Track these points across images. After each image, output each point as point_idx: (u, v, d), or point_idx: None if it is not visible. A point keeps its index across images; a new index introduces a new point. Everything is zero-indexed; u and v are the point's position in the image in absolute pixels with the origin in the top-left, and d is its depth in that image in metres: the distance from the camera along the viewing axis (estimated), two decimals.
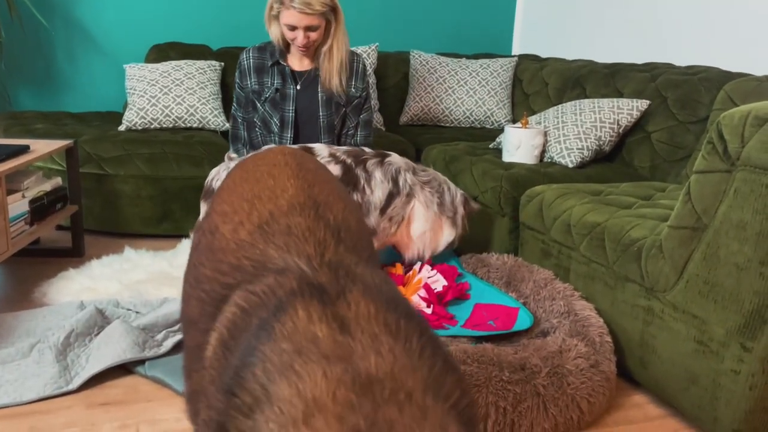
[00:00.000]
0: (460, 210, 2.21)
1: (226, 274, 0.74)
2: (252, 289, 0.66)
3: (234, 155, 2.13)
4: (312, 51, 2.29)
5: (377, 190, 2.10)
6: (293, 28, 2.19)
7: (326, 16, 2.20)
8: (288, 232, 0.74)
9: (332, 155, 2.11)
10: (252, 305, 0.64)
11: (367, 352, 0.52)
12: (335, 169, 2.08)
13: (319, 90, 2.32)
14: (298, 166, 0.94)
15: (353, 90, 2.37)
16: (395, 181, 2.14)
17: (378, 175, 2.12)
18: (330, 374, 0.50)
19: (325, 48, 2.27)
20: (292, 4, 2.13)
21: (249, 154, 1.10)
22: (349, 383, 0.49)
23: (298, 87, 2.32)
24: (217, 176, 2.09)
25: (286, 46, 2.32)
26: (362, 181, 2.09)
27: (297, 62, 2.35)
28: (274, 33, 2.29)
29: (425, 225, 2.17)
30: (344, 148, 2.17)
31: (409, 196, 2.15)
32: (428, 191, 2.17)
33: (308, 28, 2.18)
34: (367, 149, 2.20)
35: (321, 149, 2.12)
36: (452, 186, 2.23)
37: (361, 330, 0.55)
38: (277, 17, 2.23)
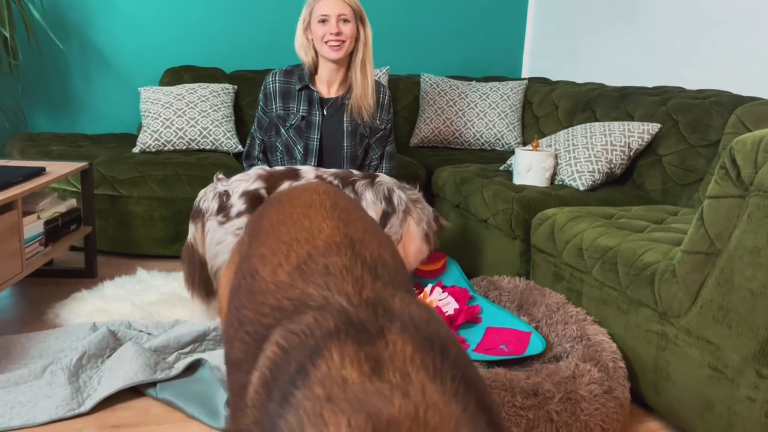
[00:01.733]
0: (433, 226, 2.22)
1: (267, 315, 0.76)
2: (292, 328, 0.67)
3: (222, 176, 2.14)
4: (344, 52, 2.26)
5: (370, 211, 2.10)
6: (325, 21, 2.21)
7: (356, 20, 2.24)
8: (326, 271, 0.76)
9: (318, 177, 2.12)
10: (292, 345, 0.65)
11: (393, 393, 0.53)
12: None
13: (345, 120, 2.33)
14: (332, 205, 0.96)
15: (378, 122, 2.38)
16: (389, 199, 2.14)
17: (369, 195, 2.12)
18: (354, 423, 0.50)
19: (358, 59, 2.29)
20: None
21: (284, 192, 1.11)
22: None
23: (325, 113, 2.33)
24: (204, 197, 2.09)
25: (315, 68, 2.34)
26: None
27: (325, 88, 2.35)
28: (305, 56, 2.31)
29: (418, 242, 2.18)
30: (332, 170, 2.17)
31: (405, 213, 2.16)
32: (419, 208, 2.19)
33: (341, 17, 2.20)
34: (355, 171, 2.21)
35: (308, 171, 2.13)
36: (425, 202, 2.26)
37: (394, 370, 0.56)
38: (308, 27, 2.26)
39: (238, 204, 2.02)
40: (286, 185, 2.07)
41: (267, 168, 2.15)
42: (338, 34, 2.21)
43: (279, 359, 0.65)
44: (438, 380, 0.56)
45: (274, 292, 0.78)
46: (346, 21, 2.22)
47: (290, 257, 0.83)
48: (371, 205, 2.11)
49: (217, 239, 2.02)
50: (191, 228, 2.10)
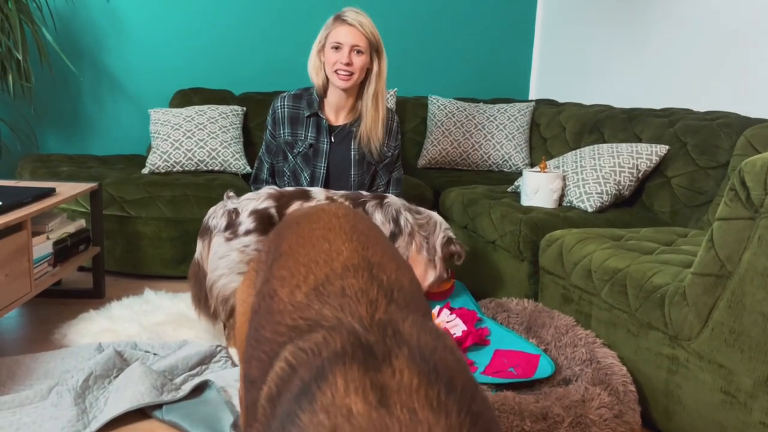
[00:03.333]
0: (439, 252, 2.19)
1: (282, 334, 0.77)
2: (301, 345, 0.67)
3: (232, 194, 2.15)
4: (353, 83, 2.26)
5: None
6: (339, 49, 2.20)
7: (371, 52, 2.24)
8: (342, 293, 0.77)
9: (329, 198, 2.12)
10: (299, 361, 0.65)
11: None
12: None
13: (352, 148, 2.33)
14: (351, 228, 0.98)
15: (386, 149, 2.38)
16: (396, 221, 2.14)
17: (378, 216, 2.12)
18: None
19: (371, 91, 2.28)
20: (345, 19, 2.18)
21: (302, 214, 1.12)
22: None
23: (332, 140, 2.33)
24: (213, 214, 2.09)
25: (325, 92, 2.33)
26: None
27: (333, 115, 2.35)
28: (316, 78, 2.30)
29: (421, 267, 2.17)
30: (342, 192, 2.17)
31: (411, 235, 2.15)
32: (422, 235, 2.17)
33: (354, 48, 2.20)
34: (364, 192, 2.20)
35: (318, 193, 2.14)
36: (442, 226, 2.22)
37: (401, 405, 0.55)
38: (322, 50, 2.26)
39: (246, 222, 2.02)
40: (296, 205, 2.08)
41: (277, 188, 2.15)
42: (348, 65, 2.21)
43: (285, 375, 0.65)
44: (443, 416, 0.55)
45: (291, 312, 0.79)
46: (359, 52, 2.21)
47: (308, 279, 0.84)
48: (380, 225, 2.11)
49: (221, 254, 2.02)
50: (199, 245, 2.10)
